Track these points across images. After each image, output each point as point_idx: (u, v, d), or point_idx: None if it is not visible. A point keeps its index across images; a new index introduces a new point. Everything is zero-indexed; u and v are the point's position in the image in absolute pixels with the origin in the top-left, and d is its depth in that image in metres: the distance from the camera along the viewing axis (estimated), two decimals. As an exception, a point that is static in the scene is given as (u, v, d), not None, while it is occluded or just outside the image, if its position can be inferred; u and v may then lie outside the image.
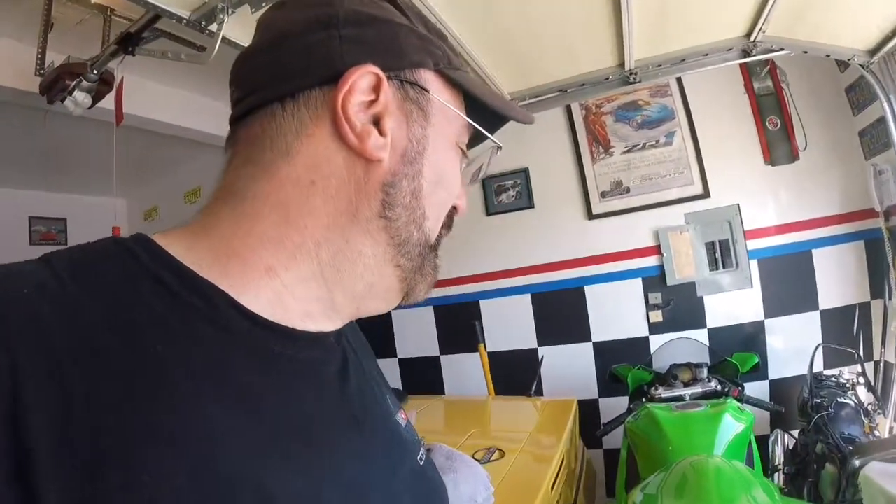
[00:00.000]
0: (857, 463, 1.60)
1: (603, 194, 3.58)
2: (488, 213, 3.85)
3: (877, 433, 2.18)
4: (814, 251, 3.20)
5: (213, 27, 1.63)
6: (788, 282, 3.24)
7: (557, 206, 3.71)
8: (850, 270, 3.15)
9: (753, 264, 3.32)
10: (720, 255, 3.41)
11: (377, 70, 0.51)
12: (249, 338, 0.47)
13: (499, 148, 0.66)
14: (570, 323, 3.67)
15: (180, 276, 0.46)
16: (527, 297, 3.78)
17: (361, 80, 0.51)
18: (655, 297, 3.50)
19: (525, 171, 3.73)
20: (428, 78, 0.56)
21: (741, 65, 3.22)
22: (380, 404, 0.61)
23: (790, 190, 3.27)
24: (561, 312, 3.69)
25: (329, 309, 0.55)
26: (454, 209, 0.61)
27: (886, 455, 1.58)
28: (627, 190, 3.55)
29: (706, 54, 2.40)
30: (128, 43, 1.88)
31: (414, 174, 0.54)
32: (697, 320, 3.44)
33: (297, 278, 0.51)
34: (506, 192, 3.79)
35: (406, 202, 0.54)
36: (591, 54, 2.39)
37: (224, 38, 1.62)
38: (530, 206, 3.76)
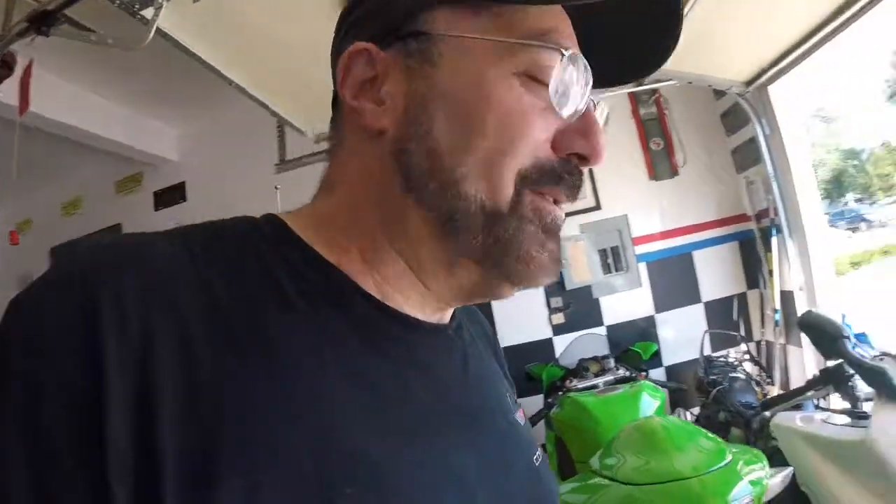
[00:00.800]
0: (767, 414, 1.84)
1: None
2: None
3: (767, 398, 2.49)
4: (694, 252, 3.67)
5: (148, 13, 1.55)
6: (674, 280, 3.68)
7: None
8: (727, 266, 3.66)
9: (642, 266, 3.74)
10: (612, 260, 3.82)
11: (364, 45, 0.48)
12: (370, 321, 0.47)
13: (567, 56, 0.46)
14: None
15: (305, 257, 0.47)
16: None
17: (353, 61, 0.49)
18: (556, 301, 3.77)
19: None
20: (436, 17, 0.47)
21: (629, 93, 3.65)
22: (497, 400, 0.57)
23: (672, 201, 3.74)
24: None
25: (431, 299, 0.51)
26: (570, 160, 0.48)
27: (788, 405, 1.83)
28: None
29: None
30: (42, 21, 1.72)
31: (422, 133, 0.47)
32: (596, 319, 3.78)
33: (392, 272, 0.49)
34: None
35: (425, 167, 0.46)
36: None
37: (158, 29, 1.55)
38: None
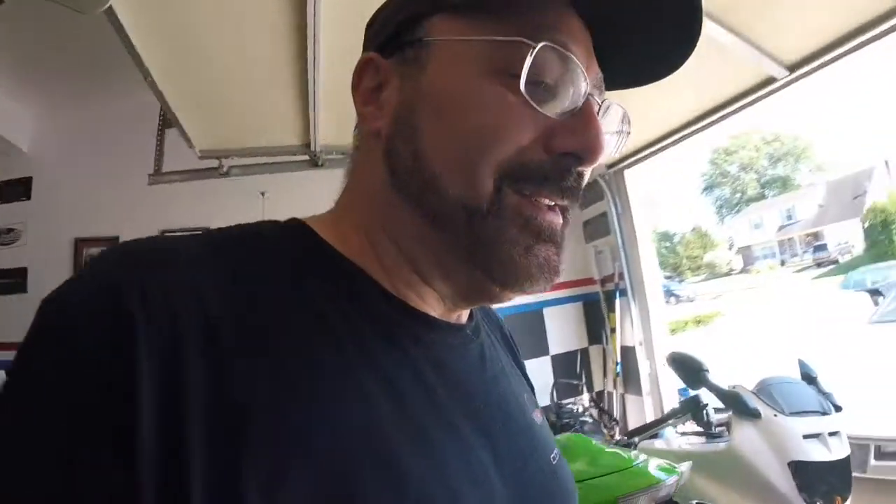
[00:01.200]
0: (636, 440, 2.11)
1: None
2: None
3: (616, 439, 2.81)
4: (544, 309, 4.04)
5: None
6: (525, 333, 3.98)
7: None
8: (573, 324, 4.08)
9: (498, 319, 4.01)
10: None
11: (370, 55, 0.52)
12: (392, 320, 0.48)
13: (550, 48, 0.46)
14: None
15: (332, 260, 0.48)
16: None
17: (363, 71, 0.53)
18: None
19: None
20: (433, 24, 0.50)
21: None
22: (515, 399, 0.58)
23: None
24: None
25: (442, 297, 0.53)
26: (562, 157, 0.47)
27: (649, 434, 2.13)
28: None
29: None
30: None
31: (409, 134, 0.49)
32: None
33: (405, 271, 0.51)
34: None
35: (410, 166, 0.49)
36: (278, 128, 2.52)
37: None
38: None
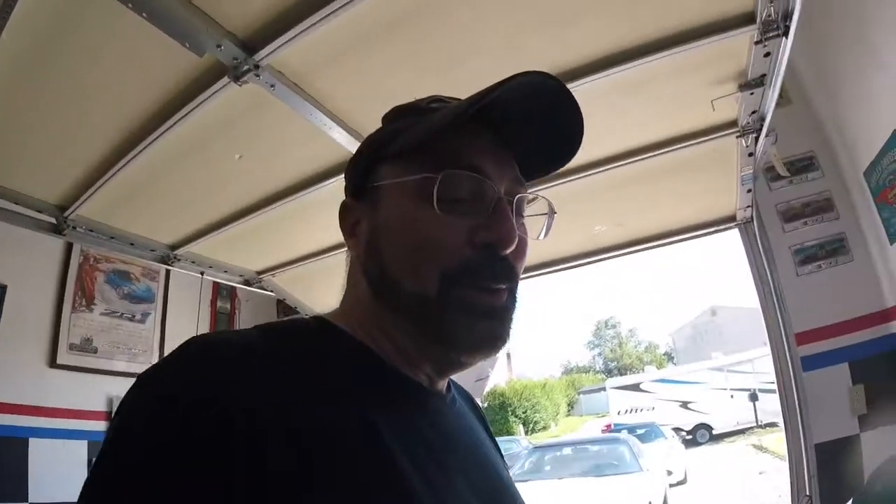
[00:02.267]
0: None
1: (72, 346, 3.34)
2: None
3: None
4: None
5: None
6: None
7: (22, 340, 3.23)
8: None
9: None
10: None
11: (347, 201, 0.71)
12: (402, 393, 0.63)
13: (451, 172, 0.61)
14: (7, 478, 3.04)
15: (354, 348, 0.63)
16: None
17: (343, 213, 0.71)
18: None
19: (2, 289, 3.14)
20: (380, 172, 0.66)
21: (213, 283, 3.93)
22: (487, 456, 0.73)
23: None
24: None
25: (426, 372, 0.67)
26: (487, 249, 0.61)
27: None
28: (96, 350, 3.43)
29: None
30: None
31: (375, 255, 0.65)
32: None
33: (399, 350, 0.65)
34: None
35: (378, 277, 0.64)
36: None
37: None
38: None
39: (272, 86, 1.53)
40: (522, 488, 0.77)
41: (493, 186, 0.62)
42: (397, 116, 0.72)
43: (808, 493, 2.34)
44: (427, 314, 0.61)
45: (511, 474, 0.77)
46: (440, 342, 0.63)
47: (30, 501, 3.04)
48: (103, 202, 2.21)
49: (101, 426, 3.37)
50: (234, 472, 0.46)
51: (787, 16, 1.46)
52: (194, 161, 2.01)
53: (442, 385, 0.70)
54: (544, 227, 0.72)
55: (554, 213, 0.71)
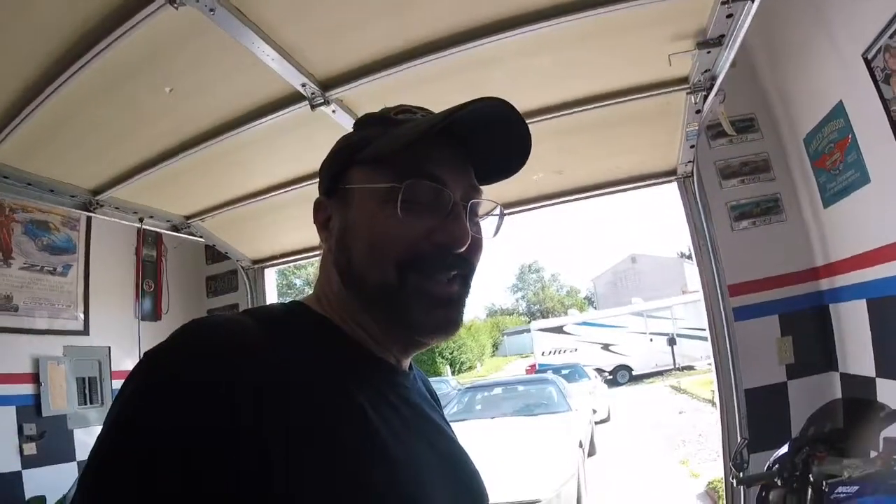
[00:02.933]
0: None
1: (-11, 306, 3.10)
2: None
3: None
4: None
5: None
6: None
7: None
8: None
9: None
10: (89, 391, 3.62)
11: (320, 198, 0.78)
12: (372, 369, 0.72)
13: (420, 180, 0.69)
14: None
15: (335, 334, 0.72)
16: None
17: (316, 209, 0.78)
18: (30, 428, 3.16)
19: None
20: (351, 175, 0.74)
21: (138, 230, 3.76)
22: (442, 424, 0.82)
23: (153, 340, 3.80)
24: None
25: (392, 352, 0.75)
26: (442, 247, 0.70)
27: None
28: (17, 308, 3.21)
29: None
30: None
31: (345, 249, 0.72)
32: (69, 453, 3.35)
33: (370, 334, 0.73)
34: None
35: (346, 268, 0.72)
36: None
37: None
38: None
39: (212, 10, 1.41)
40: (456, 427, 0.86)
41: (450, 193, 0.71)
42: (367, 124, 0.79)
43: (746, 436, 2.47)
44: (390, 302, 0.69)
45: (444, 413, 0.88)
46: (404, 326, 0.71)
47: None
48: (18, 145, 2.02)
49: (27, 389, 3.19)
50: (241, 450, 0.51)
51: (758, -21, 1.45)
52: (120, 95, 1.85)
53: (406, 364, 0.78)
54: (496, 227, 0.81)
55: (504, 215, 0.81)
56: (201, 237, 3.12)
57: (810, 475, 1.88)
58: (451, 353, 30.76)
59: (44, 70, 1.66)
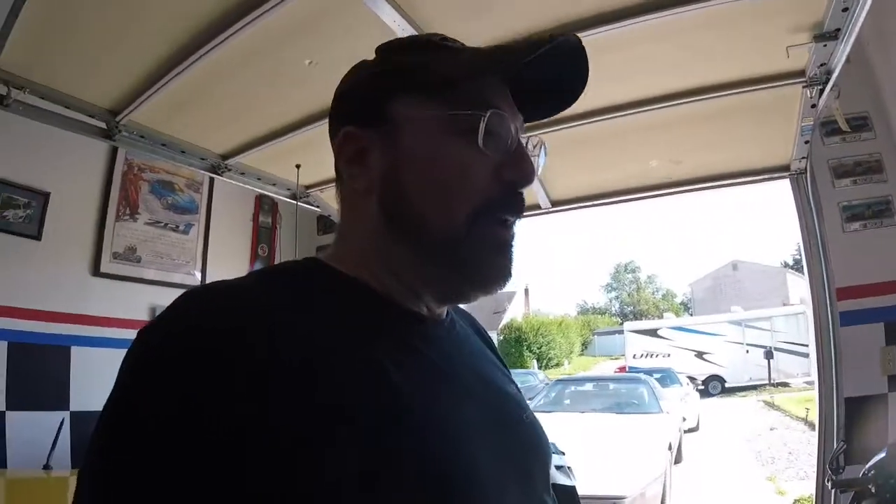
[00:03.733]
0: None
1: (115, 255, 3.39)
2: (-18, 222, 2.99)
3: None
4: None
5: None
6: None
7: (66, 248, 3.26)
8: None
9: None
10: None
11: (351, 129, 0.66)
12: (403, 322, 0.65)
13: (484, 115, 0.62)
14: (49, 385, 3.09)
15: (352, 287, 0.64)
16: (2, 345, 2.94)
17: (345, 141, 0.67)
18: None
19: (45, 196, 3.12)
20: (397, 104, 0.65)
21: (256, 197, 4.05)
22: (491, 375, 0.74)
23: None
24: (39, 371, 3.07)
25: (427, 303, 0.68)
26: (510, 185, 0.64)
27: None
28: (139, 259, 3.49)
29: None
30: None
31: (397, 189, 0.63)
32: None
33: (399, 286, 0.66)
34: (14, 209, 3.01)
35: (400, 211, 0.63)
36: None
37: None
38: (37, 236, 3.07)
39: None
40: (543, 419, 0.79)
41: (517, 127, 0.65)
42: (404, 49, 0.71)
43: (843, 439, 2.42)
44: (452, 249, 0.62)
45: (531, 405, 0.80)
46: (459, 275, 0.65)
47: (70, 409, 3.11)
48: (157, 108, 2.22)
49: (142, 335, 3.47)
50: (248, 437, 0.46)
51: (874, -27, 1.45)
52: (260, 66, 2.00)
53: (441, 311, 0.71)
54: (537, 165, 0.72)
55: (546, 154, 0.75)
56: (318, 207, 3.29)
57: (905, 484, 1.85)
58: (538, 348, 30.63)
59: (191, 39, 1.82)
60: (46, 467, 2.63)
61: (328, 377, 0.51)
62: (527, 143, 0.68)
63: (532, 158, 0.67)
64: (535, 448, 0.70)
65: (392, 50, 0.72)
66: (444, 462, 0.54)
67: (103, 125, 2.32)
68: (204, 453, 0.46)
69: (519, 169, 0.64)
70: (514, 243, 0.67)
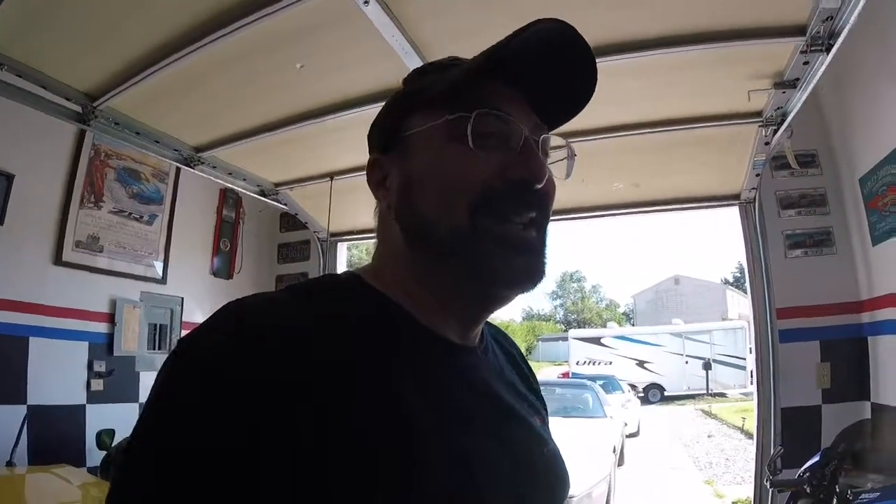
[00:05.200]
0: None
1: (77, 244, 3.33)
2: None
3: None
4: None
5: None
6: None
7: (27, 235, 3.15)
8: None
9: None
10: (159, 337, 3.88)
11: (374, 156, 0.71)
12: (426, 348, 0.64)
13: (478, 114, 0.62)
14: (6, 377, 2.98)
15: (386, 309, 0.64)
16: None
17: (371, 168, 0.71)
18: (100, 365, 3.37)
19: (8, 179, 3.02)
20: (410, 122, 0.67)
21: (221, 190, 4.04)
22: (518, 404, 0.72)
23: (223, 297, 4.01)
24: None
25: (460, 318, 0.68)
26: (517, 183, 0.63)
27: None
28: (101, 249, 3.43)
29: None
30: None
31: (409, 202, 0.66)
32: (133, 394, 3.58)
33: (430, 306, 0.66)
34: None
35: (412, 222, 0.65)
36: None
37: None
38: None
39: (366, 2, 1.58)
40: None
41: (521, 126, 0.64)
42: (420, 74, 0.75)
43: (780, 445, 2.64)
44: (462, 249, 0.62)
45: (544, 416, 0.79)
46: (478, 277, 0.63)
47: (28, 403, 3.00)
48: (137, 97, 2.21)
49: (102, 328, 3.41)
50: (261, 459, 0.47)
51: (834, 35, 1.65)
52: (251, 65, 2.03)
53: (474, 336, 0.70)
54: (567, 169, 0.73)
55: (574, 156, 0.73)
56: (285, 204, 3.32)
57: (837, 485, 2.06)
58: None
59: (186, 32, 1.83)
60: (10, 464, 2.56)
61: (352, 417, 0.51)
62: (541, 143, 0.67)
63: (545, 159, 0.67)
64: (551, 485, 0.70)
65: (410, 77, 0.75)
66: (456, 500, 0.55)
67: (79, 109, 2.29)
68: (258, 484, 0.47)
69: (524, 166, 0.63)
70: (536, 244, 0.65)
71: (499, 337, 0.83)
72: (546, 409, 0.81)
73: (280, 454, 0.47)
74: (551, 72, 0.66)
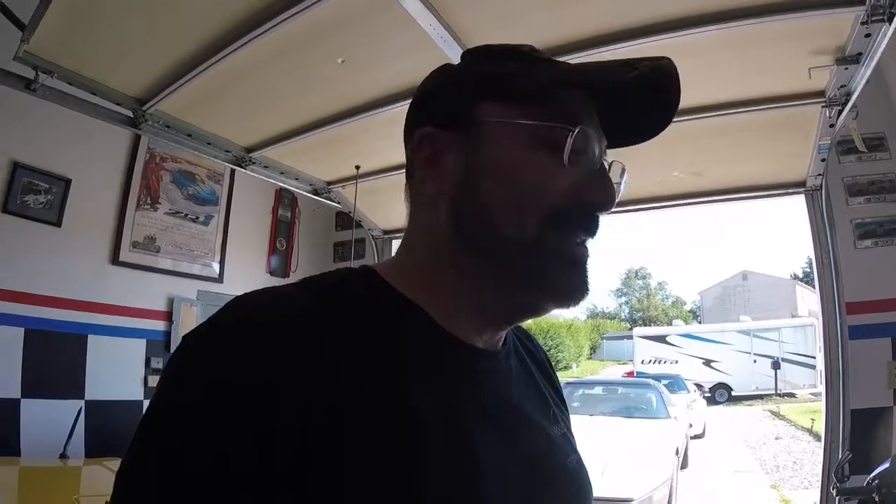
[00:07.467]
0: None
1: (135, 244, 3.45)
2: (4, 209, 2.97)
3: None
4: None
5: None
6: None
7: (85, 236, 3.30)
8: None
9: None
10: None
11: (429, 129, 0.64)
12: (448, 353, 0.61)
13: (572, 131, 0.59)
14: (64, 373, 3.11)
15: (402, 311, 0.61)
16: (18, 332, 2.94)
17: (421, 142, 0.64)
18: (158, 362, 3.46)
19: (66, 183, 3.16)
20: (484, 108, 0.63)
21: (276, 190, 4.11)
22: (539, 415, 0.70)
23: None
24: (55, 358, 3.08)
25: (488, 325, 0.66)
26: (589, 206, 0.62)
27: None
28: (158, 249, 3.54)
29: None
30: None
31: (472, 195, 0.61)
32: None
33: (459, 309, 0.63)
34: (35, 194, 3.03)
35: (473, 218, 0.61)
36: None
37: None
38: (57, 223, 3.12)
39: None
40: None
41: (603, 150, 0.64)
42: (494, 57, 0.68)
43: (849, 449, 2.47)
44: (523, 258, 0.60)
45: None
46: (532, 288, 0.62)
47: (85, 398, 3.12)
48: (185, 99, 2.25)
49: (159, 325, 3.52)
50: (268, 461, 0.46)
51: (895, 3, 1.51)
52: (292, 62, 2.03)
53: (498, 339, 0.68)
54: (617, 191, 0.68)
55: (626, 182, 0.71)
56: (338, 203, 3.33)
57: (908, 494, 1.90)
58: (547, 351, 30.51)
59: (226, 32, 1.85)
60: (63, 456, 2.65)
61: (362, 422, 0.50)
62: (610, 168, 0.65)
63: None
64: (574, 497, 0.68)
65: (480, 55, 0.70)
66: None
67: (130, 113, 2.35)
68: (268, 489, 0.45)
69: (601, 192, 0.62)
70: (588, 264, 0.64)
71: (526, 341, 0.81)
72: (569, 418, 0.79)
73: (288, 456, 0.46)
74: (637, 107, 0.65)
